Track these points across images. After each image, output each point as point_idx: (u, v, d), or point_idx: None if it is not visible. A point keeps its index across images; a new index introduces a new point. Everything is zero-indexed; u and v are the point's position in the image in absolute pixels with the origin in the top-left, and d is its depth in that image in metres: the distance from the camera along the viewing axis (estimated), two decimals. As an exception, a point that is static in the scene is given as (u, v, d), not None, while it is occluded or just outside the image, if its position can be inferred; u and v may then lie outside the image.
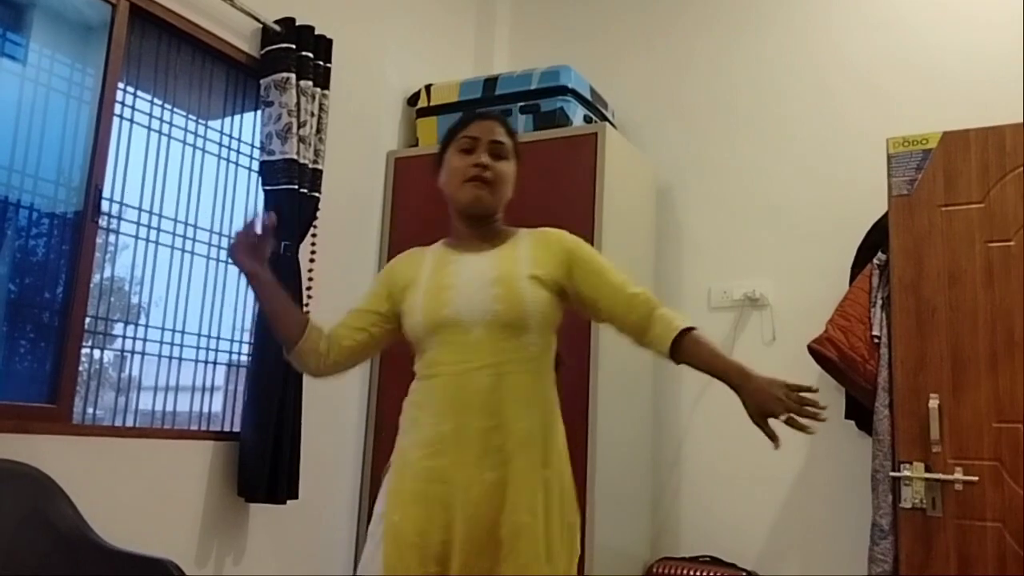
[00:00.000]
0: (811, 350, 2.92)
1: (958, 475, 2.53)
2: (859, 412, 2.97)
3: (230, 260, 1.81)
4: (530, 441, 1.72)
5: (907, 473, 2.59)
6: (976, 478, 2.52)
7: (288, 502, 2.72)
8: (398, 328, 1.88)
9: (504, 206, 1.89)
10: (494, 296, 1.73)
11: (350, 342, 1.87)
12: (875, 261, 2.91)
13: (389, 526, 1.74)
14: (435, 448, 1.72)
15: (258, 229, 1.77)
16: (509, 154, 1.86)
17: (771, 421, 1.66)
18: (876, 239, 2.95)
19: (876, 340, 2.82)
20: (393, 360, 3.27)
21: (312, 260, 2.98)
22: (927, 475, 2.57)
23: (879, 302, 2.85)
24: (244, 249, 1.78)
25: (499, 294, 1.73)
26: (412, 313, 1.80)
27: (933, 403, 2.59)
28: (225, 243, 2.88)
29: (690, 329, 1.72)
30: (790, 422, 1.65)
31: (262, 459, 2.65)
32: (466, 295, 1.75)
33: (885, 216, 2.83)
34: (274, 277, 1.83)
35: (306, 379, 2.81)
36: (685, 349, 1.71)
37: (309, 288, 2.92)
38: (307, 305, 2.89)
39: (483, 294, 1.74)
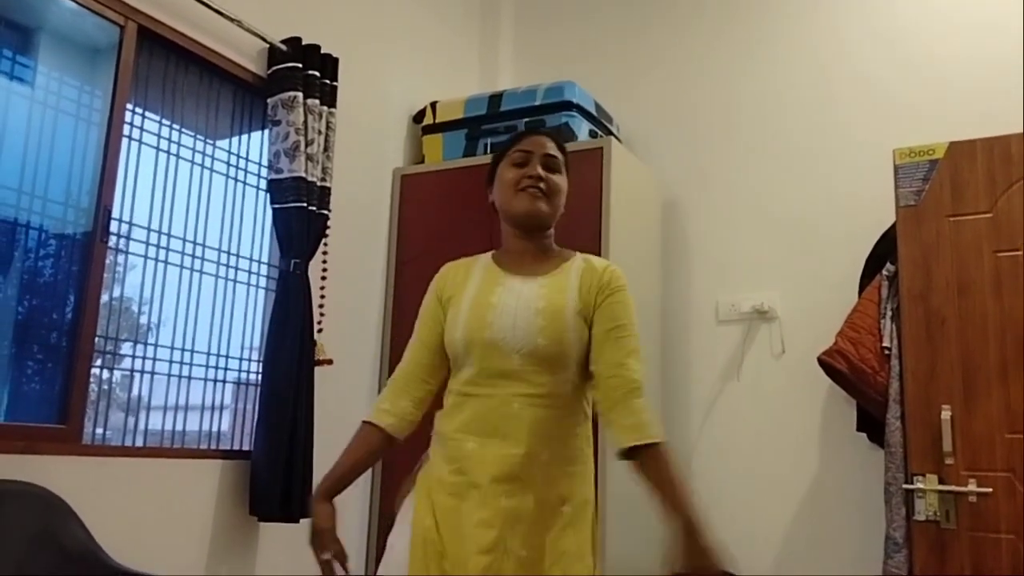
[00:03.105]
0: (821, 362, 2.91)
1: (971, 487, 2.51)
2: (871, 424, 2.96)
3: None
4: (549, 477, 1.71)
5: (920, 485, 2.58)
6: (990, 489, 2.50)
7: (301, 520, 2.71)
8: None
9: (556, 220, 1.86)
10: (538, 328, 1.70)
11: (428, 396, 1.84)
12: (884, 272, 2.90)
13: (418, 530, 1.72)
14: (458, 465, 1.72)
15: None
16: (562, 168, 1.84)
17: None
18: (884, 250, 2.95)
19: (886, 351, 2.80)
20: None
21: (323, 278, 2.98)
22: (940, 487, 2.55)
23: (888, 313, 2.84)
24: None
25: (543, 327, 1.70)
26: (453, 328, 1.77)
27: (945, 414, 2.57)
28: (234, 262, 2.89)
29: (655, 444, 1.68)
30: None
31: (275, 477, 2.64)
32: (509, 320, 1.71)
33: (893, 227, 2.82)
34: (332, 510, 1.87)
35: (319, 397, 2.81)
36: (644, 462, 1.69)
37: (321, 306, 2.92)
38: (320, 323, 2.89)
39: (527, 323, 1.70)
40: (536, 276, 1.79)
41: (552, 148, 1.84)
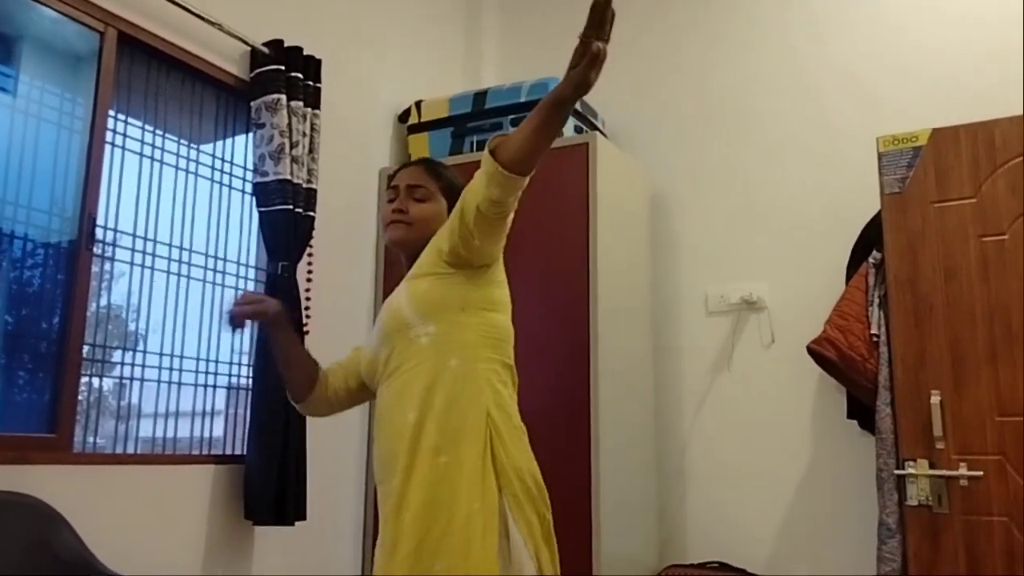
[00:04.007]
0: (810, 351, 2.92)
1: (962, 471, 2.53)
2: (861, 411, 2.97)
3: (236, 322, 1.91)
4: (416, 434, 1.70)
5: (911, 471, 2.59)
6: (981, 473, 2.51)
7: (296, 524, 2.71)
8: None
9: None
10: (385, 315, 1.86)
11: (346, 387, 2.02)
12: (870, 260, 2.91)
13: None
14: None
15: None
16: (430, 196, 1.93)
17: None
18: (870, 237, 2.96)
19: (875, 338, 2.82)
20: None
21: (309, 280, 2.98)
22: (931, 472, 2.57)
23: (876, 300, 2.85)
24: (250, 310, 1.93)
25: (387, 311, 1.85)
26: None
27: (935, 399, 2.59)
28: (221, 266, 2.88)
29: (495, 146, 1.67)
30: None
31: (269, 481, 2.64)
32: (378, 325, 1.89)
33: (878, 214, 2.84)
34: (288, 326, 2.00)
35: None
36: (503, 146, 1.64)
37: (307, 308, 2.92)
38: (306, 325, 2.89)
39: (379, 323, 1.88)
40: None
41: (417, 178, 1.95)
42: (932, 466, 2.57)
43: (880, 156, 2.79)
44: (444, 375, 1.73)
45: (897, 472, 2.65)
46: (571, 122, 3.35)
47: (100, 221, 2.49)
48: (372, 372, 1.88)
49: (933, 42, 3.21)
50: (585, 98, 3.47)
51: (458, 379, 1.73)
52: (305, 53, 2.98)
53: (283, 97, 2.85)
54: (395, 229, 1.91)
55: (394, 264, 3.55)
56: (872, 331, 2.82)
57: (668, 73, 3.72)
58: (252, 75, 2.89)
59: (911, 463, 2.60)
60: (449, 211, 1.90)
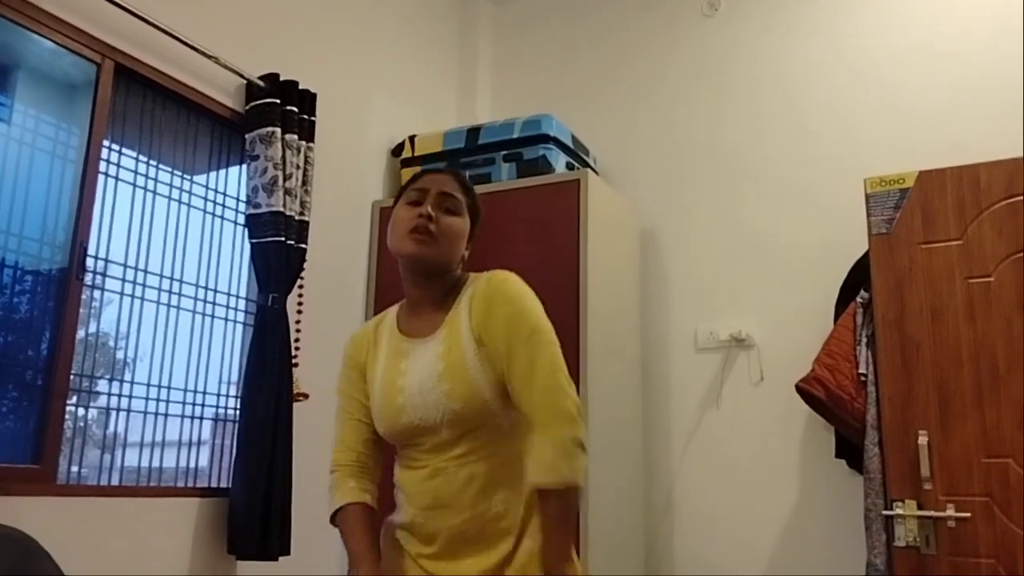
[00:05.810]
0: (799, 389, 2.93)
1: (950, 512, 2.53)
2: (849, 450, 2.98)
3: None
4: (502, 527, 1.62)
5: (899, 511, 2.59)
6: (968, 514, 2.52)
7: (280, 559, 2.68)
8: None
9: (458, 264, 1.74)
10: (446, 394, 1.60)
11: (381, 468, 1.78)
12: (858, 299, 2.93)
13: None
14: (407, 534, 1.70)
15: None
16: (461, 210, 1.70)
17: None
18: (858, 277, 2.98)
19: (863, 378, 2.83)
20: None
21: (299, 311, 2.97)
22: (919, 513, 2.57)
23: (864, 340, 2.87)
24: None
25: (450, 390, 1.60)
26: (373, 412, 1.72)
27: (922, 439, 2.59)
28: (211, 297, 2.88)
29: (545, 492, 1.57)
30: None
31: (253, 515, 2.61)
32: (418, 398, 1.63)
33: (866, 254, 2.86)
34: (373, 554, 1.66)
35: (296, 432, 2.79)
36: (545, 500, 1.58)
37: (297, 340, 2.91)
38: (295, 357, 2.88)
39: (435, 394, 1.61)
40: (435, 331, 1.68)
41: (451, 187, 1.71)
42: (920, 507, 2.57)
43: (868, 197, 2.83)
44: (520, 463, 1.62)
45: (885, 512, 2.65)
46: (563, 159, 3.38)
47: (91, 250, 2.48)
48: (419, 439, 1.65)
49: (922, 84, 3.27)
50: (577, 135, 3.53)
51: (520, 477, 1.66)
52: (300, 87, 3.01)
53: (278, 130, 2.87)
54: (421, 242, 1.64)
55: (385, 295, 3.56)
56: (860, 370, 2.84)
57: (660, 112, 3.77)
58: (247, 108, 2.91)
59: (899, 503, 2.60)
60: (470, 232, 1.73)
